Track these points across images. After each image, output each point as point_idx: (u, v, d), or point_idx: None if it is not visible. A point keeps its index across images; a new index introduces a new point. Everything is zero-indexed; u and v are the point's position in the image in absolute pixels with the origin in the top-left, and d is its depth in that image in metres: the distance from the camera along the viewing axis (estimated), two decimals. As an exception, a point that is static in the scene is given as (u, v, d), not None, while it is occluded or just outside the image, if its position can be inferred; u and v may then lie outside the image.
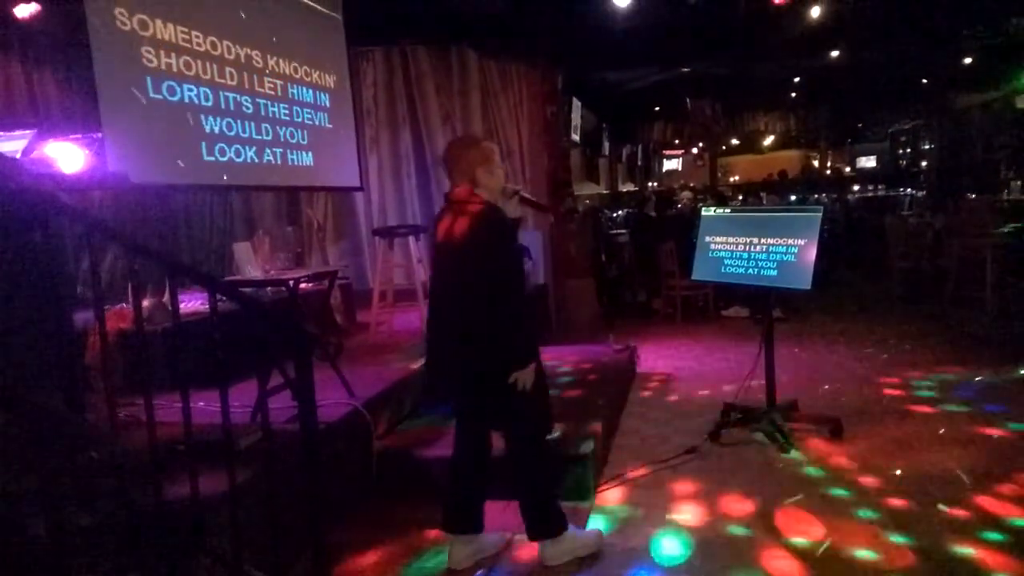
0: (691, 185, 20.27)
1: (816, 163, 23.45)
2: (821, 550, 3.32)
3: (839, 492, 3.94)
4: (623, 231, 12.31)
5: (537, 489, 3.32)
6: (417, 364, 5.08)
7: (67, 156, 3.96)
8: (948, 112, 17.45)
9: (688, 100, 16.86)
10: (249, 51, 5.43)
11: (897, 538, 3.39)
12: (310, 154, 6.12)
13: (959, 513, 3.61)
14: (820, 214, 4.63)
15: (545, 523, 3.28)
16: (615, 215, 15.48)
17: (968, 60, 13.97)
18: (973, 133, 16.95)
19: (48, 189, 2.75)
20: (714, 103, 17.41)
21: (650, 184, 23.41)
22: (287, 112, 5.84)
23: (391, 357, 5.47)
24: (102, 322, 2.52)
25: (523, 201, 3.57)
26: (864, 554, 3.28)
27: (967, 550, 3.26)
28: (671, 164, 26.03)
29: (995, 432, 4.69)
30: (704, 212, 5.42)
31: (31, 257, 2.37)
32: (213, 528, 2.73)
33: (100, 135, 4.17)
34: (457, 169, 3.25)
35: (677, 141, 22.75)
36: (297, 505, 2.91)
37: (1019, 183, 13.98)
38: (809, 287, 4.50)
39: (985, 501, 3.72)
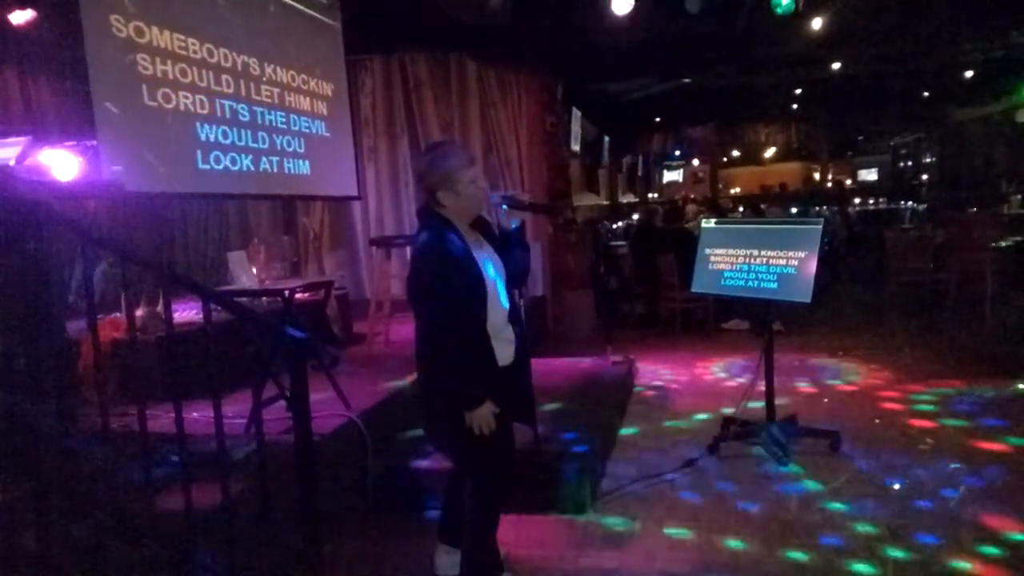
0: (692, 197, 20.25)
1: (817, 175, 23.46)
2: (818, 565, 3.29)
3: (837, 506, 3.90)
4: (623, 243, 12.27)
5: (477, 534, 3.10)
6: (412, 376, 5.04)
7: (61, 164, 3.94)
8: (949, 125, 17.49)
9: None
10: (246, 59, 5.42)
11: (895, 552, 3.37)
12: (307, 163, 6.10)
13: (957, 528, 3.58)
14: (820, 227, 4.60)
15: (478, 571, 3.11)
16: (615, 226, 15.44)
17: (969, 74, 14.02)
18: (973, 147, 16.98)
19: (42, 197, 2.72)
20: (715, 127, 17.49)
21: (651, 195, 23.40)
22: (284, 120, 5.82)
23: (387, 369, 5.43)
24: (95, 331, 2.50)
25: (515, 207, 3.20)
26: (862, 568, 3.26)
27: (965, 564, 3.25)
28: (672, 175, 25.98)
29: (994, 447, 4.66)
30: (704, 224, 5.38)
31: (23, 266, 2.35)
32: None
33: (95, 142, 4.15)
34: (420, 186, 3.06)
35: (678, 152, 22.76)
36: (291, 517, 2.88)
37: (1019, 197, 14.00)
38: (809, 300, 4.44)
39: (982, 515, 3.69)
